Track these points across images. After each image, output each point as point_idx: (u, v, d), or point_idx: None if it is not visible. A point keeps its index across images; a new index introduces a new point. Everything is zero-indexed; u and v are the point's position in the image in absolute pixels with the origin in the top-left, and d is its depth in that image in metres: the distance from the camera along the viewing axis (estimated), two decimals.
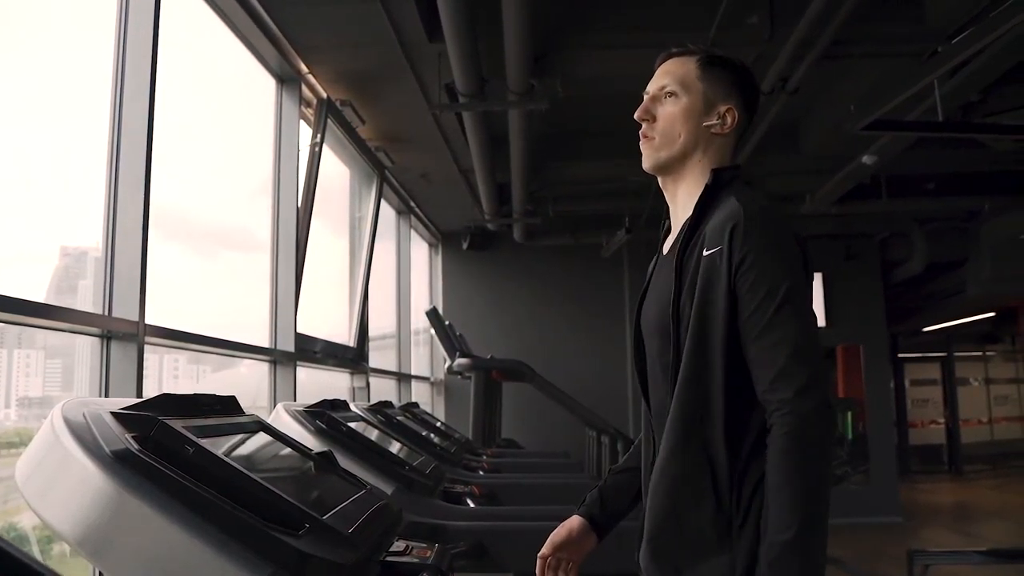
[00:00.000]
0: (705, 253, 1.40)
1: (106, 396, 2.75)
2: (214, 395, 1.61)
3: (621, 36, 4.30)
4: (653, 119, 1.54)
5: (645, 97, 1.57)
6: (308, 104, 4.87)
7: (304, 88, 4.70)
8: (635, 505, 1.74)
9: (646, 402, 1.54)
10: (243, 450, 1.63)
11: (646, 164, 1.55)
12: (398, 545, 1.55)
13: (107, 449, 1.13)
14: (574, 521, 1.63)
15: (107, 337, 2.78)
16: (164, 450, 1.22)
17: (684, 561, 1.37)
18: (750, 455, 1.35)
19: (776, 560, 1.24)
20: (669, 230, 1.60)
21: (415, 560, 1.46)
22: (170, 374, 4.06)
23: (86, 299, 2.90)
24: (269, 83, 4.59)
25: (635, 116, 1.56)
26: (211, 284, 4.25)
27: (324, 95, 4.85)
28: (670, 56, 1.57)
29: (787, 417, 1.28)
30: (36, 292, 2.87)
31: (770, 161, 6.33)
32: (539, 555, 1.60)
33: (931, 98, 4.36)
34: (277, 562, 1.10)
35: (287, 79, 4.61)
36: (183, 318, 3.47)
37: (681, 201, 1.54)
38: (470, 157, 5.71)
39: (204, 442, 1.31)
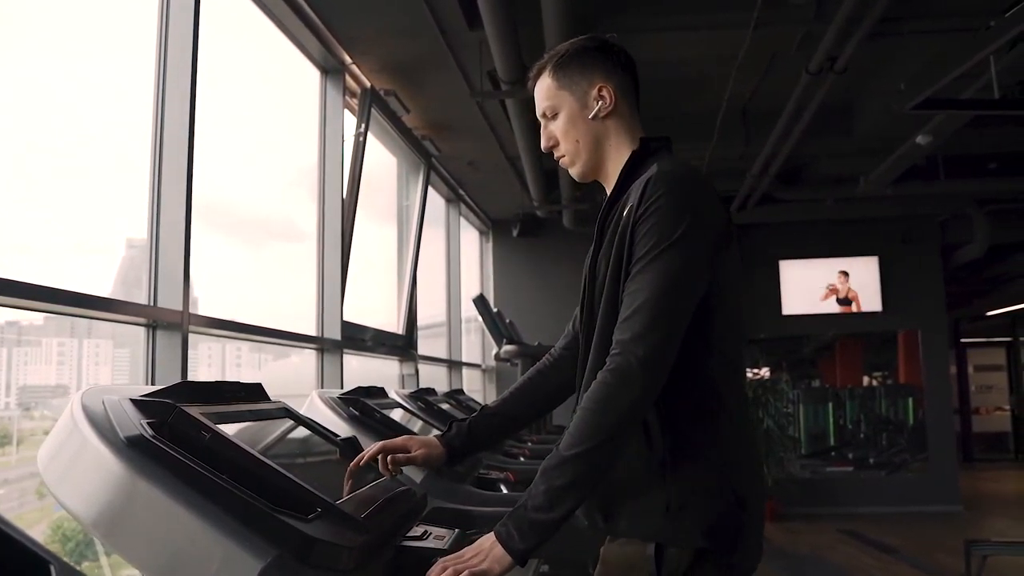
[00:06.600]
0: (624, 212, 1.44)
1: (152, 384, 2.83)
2: (238, 382, 1.64)
3: (661, 19, 4.25)
4: (556, 142, 1.61)
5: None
6: (352, 94, 4.92)
7: (348, 78, 4.75)
8: (491, 447, 1.91)
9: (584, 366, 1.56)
10: (264, 436, 1.66)
11: (576, 178, 1.63)
12: (417, 530, 1.57)
13: (121, 435, 1.17)
14: (432, 441, 1.69)
15: (152, 327, 2.86)
16: (180, 436, 1.25)
17: (615, 501, 1.42)
18: (675, 396, 1.38)
19: (550, 467, 1.32)
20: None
21: (430, 546, 1.48)
22: (232, 362, 4.15)
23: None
24: (314, 74, 4.65)
25: (541, 148, 1.65)
26: (263, 274, 4.33)
27: (368, 85, 4.89)
28: (532, 83, 1.63)
29: (617, 358, 1.33)
30: (103, 283, 2.97)
31: (823, 143, 6.21)
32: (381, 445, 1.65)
33: (987, 74, 4.22)
34: (283, 545, 1.12)
35: (331, 70, 4.66)
36: (239, 308, 3.54)
37: (614, 180, 1.58)
38: (516, 144, 5.71)
39: (223, 428, 1.34)
